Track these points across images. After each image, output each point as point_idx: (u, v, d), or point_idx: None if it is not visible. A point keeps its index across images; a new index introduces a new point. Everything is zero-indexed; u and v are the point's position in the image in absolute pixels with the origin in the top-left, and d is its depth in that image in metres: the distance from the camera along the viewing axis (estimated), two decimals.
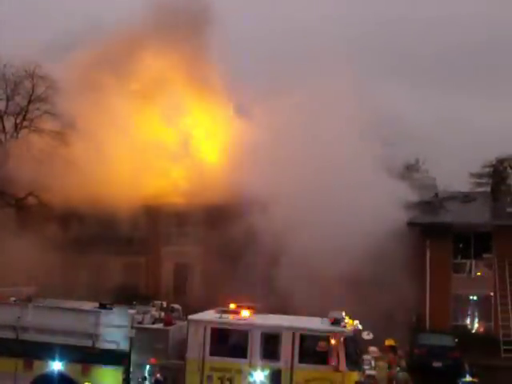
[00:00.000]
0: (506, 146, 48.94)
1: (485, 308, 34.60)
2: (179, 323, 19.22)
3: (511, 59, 71.34)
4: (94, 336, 18.13)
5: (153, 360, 17.76)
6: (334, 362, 17.18)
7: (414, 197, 37.28)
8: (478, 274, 35.28)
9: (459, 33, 68.40)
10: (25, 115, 35.51)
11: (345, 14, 58.45)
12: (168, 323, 18.99)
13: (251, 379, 17.45)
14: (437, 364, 27.33)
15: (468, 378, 18.74)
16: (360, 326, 18.72)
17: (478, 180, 53.28)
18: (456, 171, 48.83)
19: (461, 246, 35.34)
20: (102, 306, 19.21)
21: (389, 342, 22.33)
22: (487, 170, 51.36)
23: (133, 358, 17.92)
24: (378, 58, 65.03)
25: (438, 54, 69.86)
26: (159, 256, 41.21)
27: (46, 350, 18.00)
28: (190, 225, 39.00)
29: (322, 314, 18.96)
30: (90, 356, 17.95)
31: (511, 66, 69.29)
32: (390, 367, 20.67)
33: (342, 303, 21.40)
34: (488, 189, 45.59)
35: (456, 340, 29.31)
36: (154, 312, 19.82)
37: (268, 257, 31.04)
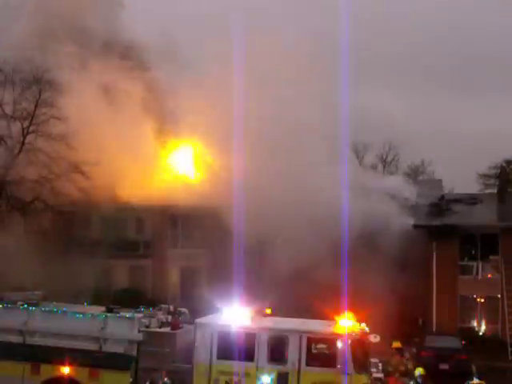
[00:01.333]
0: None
1: (492, 310, 34.53)
2: (186, 327, 19.21)
3: None
4: (101, 340, 18.16)
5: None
6: (341, 365, 17.16)
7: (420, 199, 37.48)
8: (485, 275, 35.22)
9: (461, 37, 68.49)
10: (31, 120, 35.53)
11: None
12: (175, 327, 19.00)
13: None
14: (444, 366, 27.24)
15: (476, 381, 18.64)
16: (367, 329, 18.68)
17: (485, 181, 53.31)
18: (462, 173, 48.90)
19: (467, 247, 35.28)
20: (109, 310, 19.25)
21: (396, 345, 22.30)
22: (494, 171, 51.32)
23: (140, 361, 17.94)
24: (379, 61, 65.27)
25: (439, 57, 70.08)
26: (165, 259, 41.23)
27: (53, 354, 18.03)
28: (196, 227, 39.03)
29: (327, 317, 18.94)
30: (97, 360, 17.97)
31: None
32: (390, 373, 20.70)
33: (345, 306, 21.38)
34: (494, 190, 45.52)
35: (463, 342, 29.25)
36: (161, 316, 19.84)
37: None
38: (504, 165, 49.36)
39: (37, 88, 35.18)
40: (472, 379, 18.85)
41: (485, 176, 53.44)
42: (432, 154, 57.64)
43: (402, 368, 21.50)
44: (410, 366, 22.03)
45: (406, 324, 32.14)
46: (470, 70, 71.03)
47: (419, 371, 18.97)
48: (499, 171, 47.89)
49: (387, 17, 68.47)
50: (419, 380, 18.66)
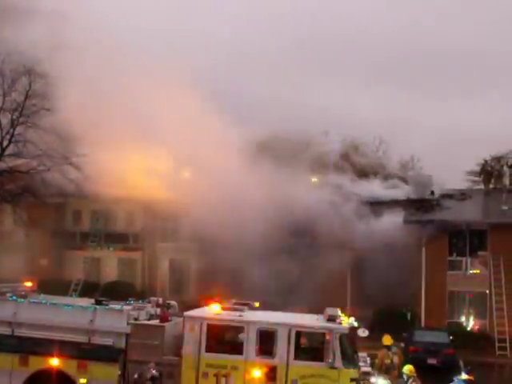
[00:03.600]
0: (500, 145, 49.29)
1: (480, 305, 34.71)
2: (175, 319, 19.19)
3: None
4: (90, 332, 18.10)
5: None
6: (329, 359, 17.18)
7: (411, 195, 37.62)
8: (473, 271, 35.38)
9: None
10: (21, 111, 35.40)
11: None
12: (164, 319, 18.97)
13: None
14: (431, 361, 27.42)
15: (464, 376, 18.66)
16: (355, 323, 18.72)
17: (473, 178, 53.43)
18: (450, 170, 49.00)
19: (456, 243, 35.41)
20: (98, 302, 19.20)
21: (386, 341, 22.31)
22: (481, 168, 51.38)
23: (128, 354, 17.92)
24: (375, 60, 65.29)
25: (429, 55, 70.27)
26: (155, 252, 41.21)
27: (41, 346, 17.95)
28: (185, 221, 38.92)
29: (318, 310, 18.99)
30: (85, 352, 17.90)
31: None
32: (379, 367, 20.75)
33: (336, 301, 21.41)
34: (482, 187, 45.71)
35: (451, 337, 29.39)
36: (150, 308, 19.80)
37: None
38: (490, 161, 49.50)
39: (27, 79, 35.07)
40: (460, 374, 18.87)
41: (472, 173, 53.59)
42: (420, 150, 57.72)
43: (388, 361, 21.54)
44: (395, 360, 22.07)
45: (395, 319, 32.27)
46: (461, 68, 71.28)
47: (407, 369, 18.74)
48: (487, 167, 48.07)
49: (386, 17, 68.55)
50: (405, 378, 18.53)
